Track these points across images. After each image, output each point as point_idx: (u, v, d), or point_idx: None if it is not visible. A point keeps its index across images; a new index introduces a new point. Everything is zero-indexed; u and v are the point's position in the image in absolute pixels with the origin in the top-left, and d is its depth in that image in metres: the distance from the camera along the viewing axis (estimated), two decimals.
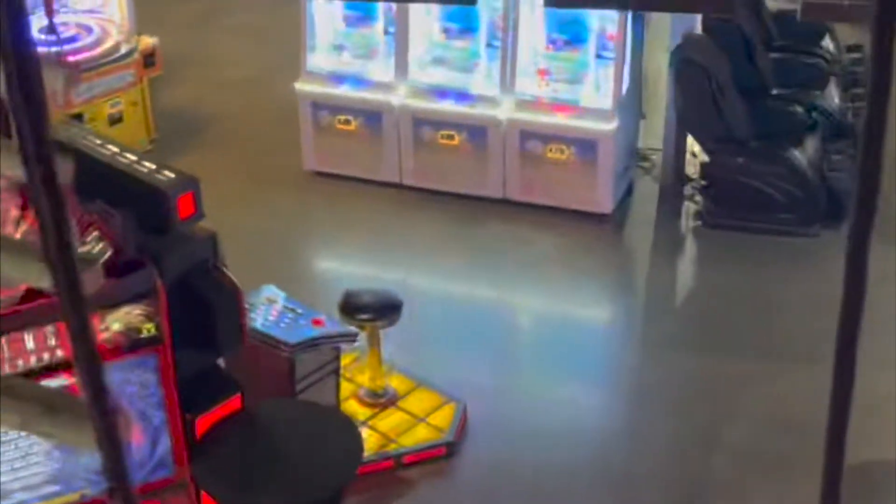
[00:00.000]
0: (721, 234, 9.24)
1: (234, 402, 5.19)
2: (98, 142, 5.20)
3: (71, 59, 9.56)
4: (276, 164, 10.14)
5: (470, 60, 9.55)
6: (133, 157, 5.11)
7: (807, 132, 9.33)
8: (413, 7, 9.29)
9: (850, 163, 9.25)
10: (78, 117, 9.21)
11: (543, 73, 9.35)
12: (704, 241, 9.43)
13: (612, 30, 9.08)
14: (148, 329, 4.81)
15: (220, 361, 5.36)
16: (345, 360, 6.99)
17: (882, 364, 7.37)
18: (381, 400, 7.38)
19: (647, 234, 9.57)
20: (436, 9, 9.43)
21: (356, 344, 7.05)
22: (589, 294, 8.97)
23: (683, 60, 9.04)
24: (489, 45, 9.44)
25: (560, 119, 9.27)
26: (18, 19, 1.26)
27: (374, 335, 7.27)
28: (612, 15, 8.94)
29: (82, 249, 4.46)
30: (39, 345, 4.65)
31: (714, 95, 8.97)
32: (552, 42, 9.31)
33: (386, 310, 7.15)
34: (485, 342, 8.33)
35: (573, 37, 9.24)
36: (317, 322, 6.61)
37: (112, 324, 4.72)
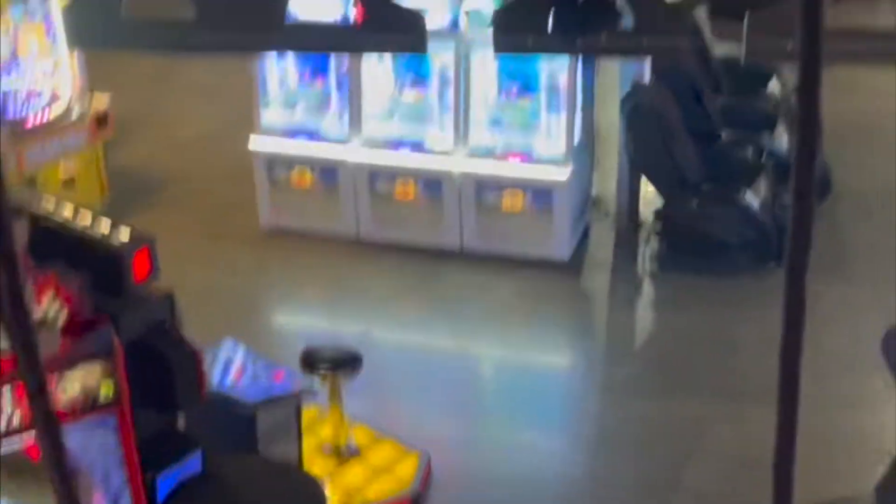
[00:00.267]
0: (678, 276, 9.32)
1: (194, 461, 5.16)
2: (52, 204, 5.19)
3: (23, 123, 9.53)
4: (232, 221, 10.13)
5: (423, 112, 9.61)
6: (88, 218, 5.11)
7: (757, 174, 9.45)
8: (365, 60, 9.35)
9: None
10: (31, 180, 9.18)
11: (496, 122, 9.43)
12: (661, 284, 9.50)
13: (562, 78, 9.17)
14: (106, 389, 4.79)
15: (181, 420, 5.33)
16: (307, 415, 6.96)
17: (842, 402, 7.45)
18: (344, 453, 7.35)
19: (604, 279, 9.63)
20: (388, 61, 9.50)
21: (317, 398, 7.03)
22: (549, 341, 8.99)
23: (634, 107, 9.15)
24: (442, 96, 9.52)
25: (514, 168, 9.34)
26: None
27: (335, 388, 7.24)
28: (563, 63, 9.04)
29: (39, 311, 4.45)
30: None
31: (665, 140, 9.07)
32: (504, 91, 9.39)
33: (346, 362, 7.14)
34: (446, 392, 8.33)
35: (525, 86, 9.33)
36: (277, 377, 6.59)
37: (70, 384, 4.69)
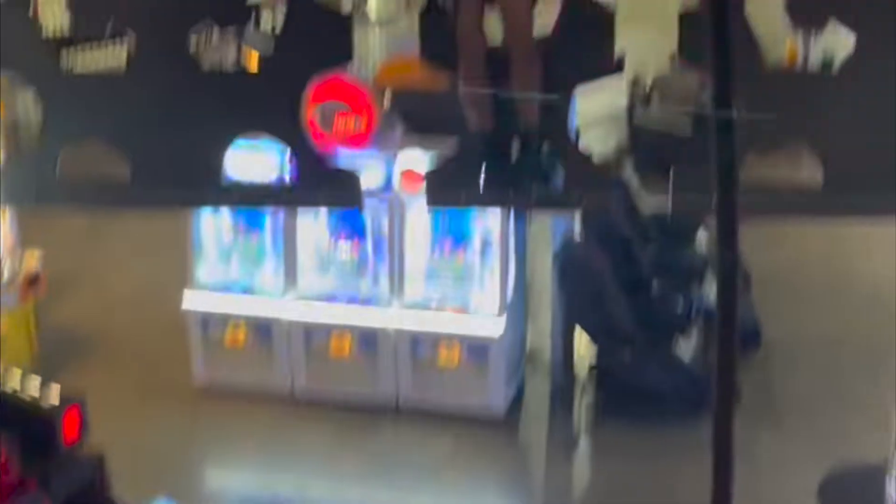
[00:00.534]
0: (614, 428, 9.31)
1: None
2: None
3: None
4: (164, 379, 10.01)
5: (358, 266, 9.65)
6: (17, 379, 5.04)
7: (688, 324, 9.55)
8: (301, 215, 9.41)
9: None
10: None
11: (431, 277, 9.48)
12: (598, 436, 9.48)
13: (495, 232, 9.28)
14: None
15: None
16: None
17: None
18: None
19: (541, 432, 9.58)
20: (323, 216, 9.56)
21: None
22: (486, 496, 8.91)
23: (565, 260, 9.26)
24: (376, 250, 9.57)
25: (449, 322, 9.36)
26: None
27: None
28: (495, 217, 9.16)
29: None
30: None
31: (597, 293, 9.16)
32: (438, 246, 9.47)
33: None
34: None
35: (458, 240, 9.42)
36: None
37: None
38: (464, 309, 9.37)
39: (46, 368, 9.56)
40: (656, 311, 9.53)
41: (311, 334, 9.63)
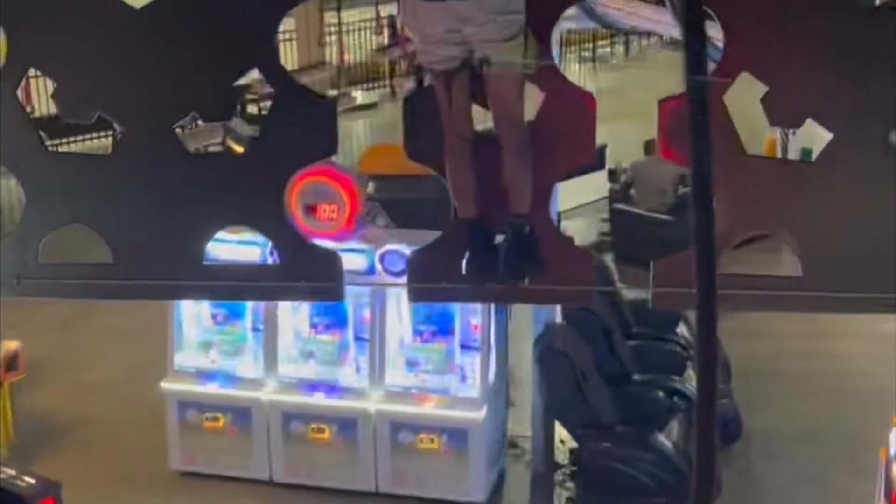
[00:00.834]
0: None
1: None
2: None
3: None
4: (141, 465, 9.93)
5: (338, 354, 9.64)
6: None
7: (669, 416, 9.54)
8: (281, 303, 9.41)
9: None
10: None
11: (411, 364, 9.48)
12: None
13: (476, 320, 9.30)
14: None
15: None
16: None
17: None
18: None
19: None
20: (304, 304, 9.56)
21: None
22: None
23: (546, 349, 9.26)
24: (357, 338, 9.56)
25: (429, 409, 9.34)
26: None
27: None
28: (476, 306, 9.18)
29: None
30: None
31: (578, 382, 9.15)
32: (419, 333, 9.48)
33: None
34: None
35: (439, 328, 9.43)
36: None
37: None
38: (445, 395, 9.35)
39: (23, 454, 9.51)
40: (637, 401, 9.53)
41: (291, 419, 9.58)
